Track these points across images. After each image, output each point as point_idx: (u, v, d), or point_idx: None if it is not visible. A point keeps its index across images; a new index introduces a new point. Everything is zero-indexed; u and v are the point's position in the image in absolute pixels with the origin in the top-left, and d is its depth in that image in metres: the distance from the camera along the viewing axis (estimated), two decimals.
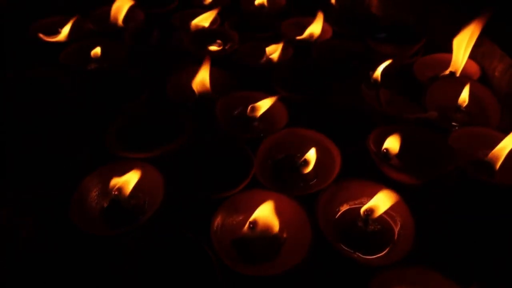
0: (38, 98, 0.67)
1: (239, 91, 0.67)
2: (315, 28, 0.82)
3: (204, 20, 0.87)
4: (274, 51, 0.76)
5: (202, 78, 0.65)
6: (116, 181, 0.50)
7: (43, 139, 0.58)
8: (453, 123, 0.65)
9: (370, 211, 0.48)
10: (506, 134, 0.58)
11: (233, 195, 0.50)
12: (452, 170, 0.52)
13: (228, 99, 0.65)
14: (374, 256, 0.47)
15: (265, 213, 0.47)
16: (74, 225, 0.46)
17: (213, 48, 0.81)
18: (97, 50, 0.76)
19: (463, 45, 0.69)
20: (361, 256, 0.47)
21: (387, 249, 0.47)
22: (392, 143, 0.55)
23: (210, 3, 0.96)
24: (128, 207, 0.51)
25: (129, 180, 0.51)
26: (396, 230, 0.49)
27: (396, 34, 0.83)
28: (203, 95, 0.66)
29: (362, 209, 0.49)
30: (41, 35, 0.79)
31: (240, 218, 0.50)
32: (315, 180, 0.56)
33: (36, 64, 0.74)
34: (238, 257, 0.46)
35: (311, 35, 0.82)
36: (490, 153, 0.56)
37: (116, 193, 0.50)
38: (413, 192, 0.52)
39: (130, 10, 0.89)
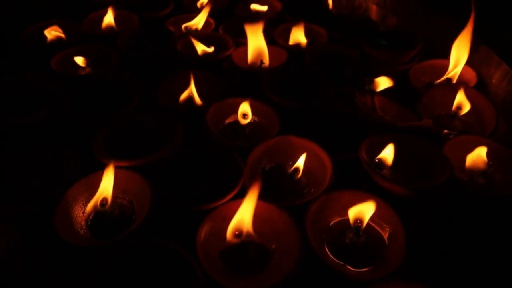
0: (26, 104, 0.66)
1: (231, 98, 0.65)
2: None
3: (197, 23, 0.86)
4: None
5: (190, 92, 0.65)
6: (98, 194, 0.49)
7: (29, 147, 0.57)
8: (446, 131, 0.63)
9: (360, 220, 0.47)
10: (501, 142, 0.57)
11: (221, 205, 0.49)
12: (446, 180, 0.50)
13: (219, 106, 0.64)
14: (365, 269, 0.46)
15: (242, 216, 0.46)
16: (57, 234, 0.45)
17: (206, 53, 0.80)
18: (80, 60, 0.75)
19: (461, 51, 0.68)
20: (351, 269, 0.46)
21: (378, 262, 0.46)
22: (387, 154, 0.54)
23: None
24: (114, 217, 0.50)
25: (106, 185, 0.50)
26: (387, 242, 0.48)
27: (394, 40, 0.82)
28: (193, 106, 0.65)
29: (350, 217, 0.48)
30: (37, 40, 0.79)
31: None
32: (306, 190, 0.55)
33: (27, 69, 0.73)
34: (225, 269, 0.45)
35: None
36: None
37: (103, 203, 0.49)
38: (406, 202, 0.51)
39: (125, 15, 0.89)
